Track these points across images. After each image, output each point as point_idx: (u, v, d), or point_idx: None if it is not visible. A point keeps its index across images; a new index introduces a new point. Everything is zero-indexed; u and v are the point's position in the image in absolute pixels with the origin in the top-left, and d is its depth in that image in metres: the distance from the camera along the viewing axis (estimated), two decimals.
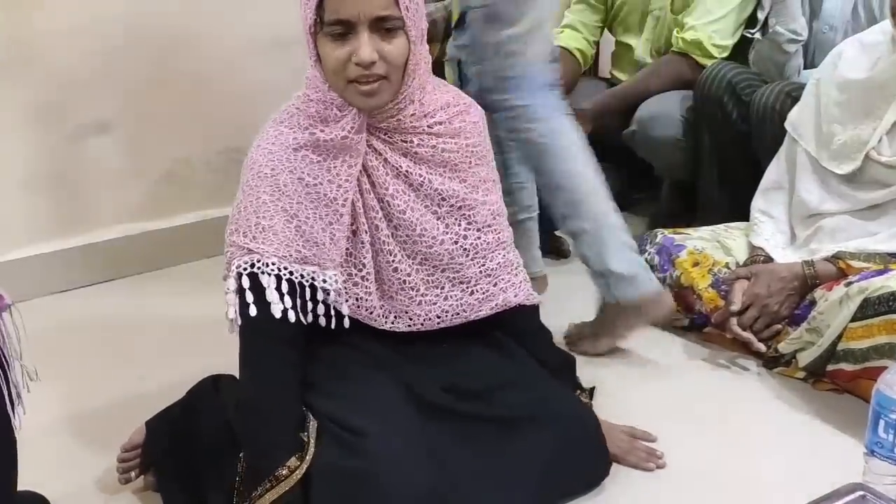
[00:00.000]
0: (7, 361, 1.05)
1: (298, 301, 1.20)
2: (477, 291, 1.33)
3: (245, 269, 1.19)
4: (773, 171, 1.80)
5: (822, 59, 2.09)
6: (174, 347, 1.80)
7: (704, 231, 1.85)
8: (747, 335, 1.61)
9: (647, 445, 1.41)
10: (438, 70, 1.57)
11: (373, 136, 1.25)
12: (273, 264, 1.19)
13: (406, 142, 1.26)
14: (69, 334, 1.83)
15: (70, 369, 1.66)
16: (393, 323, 1.29)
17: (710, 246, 1.79)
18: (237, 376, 1.34)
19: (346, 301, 1.25)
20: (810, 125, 1.71)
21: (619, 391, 1.57)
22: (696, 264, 1.75)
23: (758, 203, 1.80)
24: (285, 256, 1.20)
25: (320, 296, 1.22)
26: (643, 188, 2.59)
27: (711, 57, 2.20)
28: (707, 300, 1.72)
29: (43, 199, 2.07)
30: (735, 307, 1.62)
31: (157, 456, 1.33)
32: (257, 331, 1.20)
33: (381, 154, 1.26)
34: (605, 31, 2.58)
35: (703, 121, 2.12)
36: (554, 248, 2.24)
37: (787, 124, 1.76)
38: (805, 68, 2.11)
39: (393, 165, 1.26)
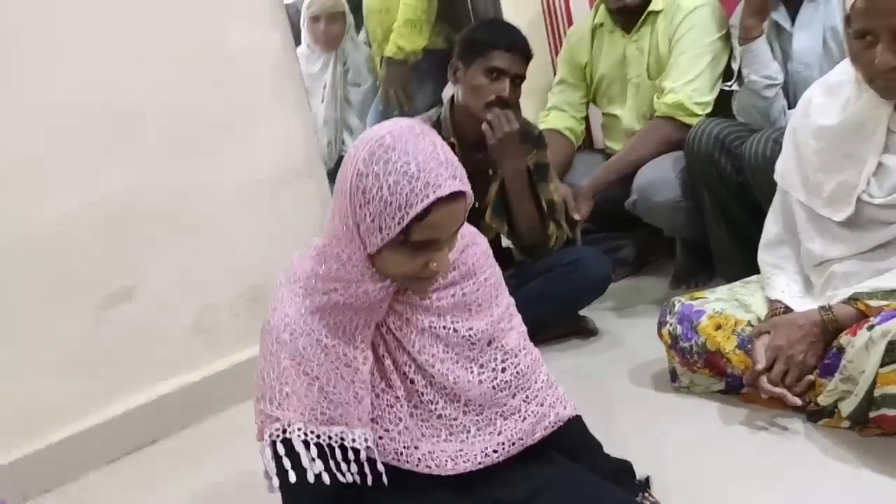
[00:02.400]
0: None
1: (331, 462, 1.21)
2: (529, 416, 1.34)
3: (277, 436, 1.22)
4: (773, 225, 1.79)
5: None
6: (225, 501, 1.81)
7: (721, 291, 1.84)
8: (780, 391, 1.58)
9: None
10: None
11: (393, 299, 1.27)
12: (300, 429, 1.21)
13: (426, 299, 1.29)
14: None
15: None
16: (447, 466, 1.29)
17: (729, 306, 1.77)
18: None
19: (387, 456, 1.26)
20: (797, 175, 1.71)
21: (675, 463, 1.55)
22: (718, 327, 1.74)
23: (765, 258, 1.80)
24: (311, 420, 1.22)
25: (351, 455, 1.23)
26: (658, 250, 2.60)
27: (695, 115, 2.23)
28: (737, 363, 1.70)
29: (77, 373, 2.12)
30: (760, 365, 1.60)
31: None
32: (299, 493, 1.22)
33: (401, 315, 1.28)
34: (592, 104, 2.64)
35: (699, 179, 2.14)
36: (580, 329, 2.24)
37: (776, 176, 1.76)
38: (790, 108, 2.12)
39: (415, 324, 1.28)
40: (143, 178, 2.16)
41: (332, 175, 2.52)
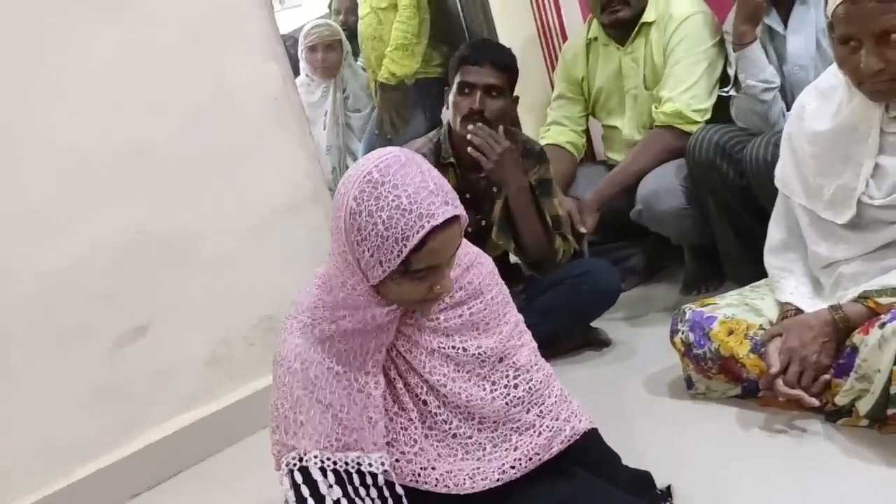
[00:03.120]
0: None
1: (349, 488, 1.22)
2: (544, 431, 1.35)
3: (294, 464, 1.23)
4: (777, 231, 1.80)
5: None
6: None
7: (731, 297, 1.85)
8: (797, 392, 1.59)
9: None
10: None
11: (401, 322, 1.29)
12: (316, 457, 1.22)
13: (433, 321, 1.30)
14: None
15: None
16: (466, 485, 1.29)
17: (739, 311, 1.78)
18: None
19: (404, 478, 1.27)
20: (797, 180, 1.71)
21: (695, 470, 1.55)
22: (730, 333, 1.74)
23: (772, 262, 1.80)
24: (326, 447, 1.23)
25: (369, 480, 1.24)
26: (668, 257, 2.61)
27: (694, 122, 2.25)
28: (751, 367, 1.70)
29: (96, 412, 2.13)
30: (775, 368, 1.60)
31: None
32: None
33: (410, 337, 1.30)
34: (592, 117, 2.66)
35: (702, 185, 2.15)
36: (592, 340, 2.25)
37: (776, 182, 1.77)
38: (788, 110, 2.13)
39: (424, 346, 1.29)
40: (152, 217, 2.18)
41: None
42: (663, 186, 2.21)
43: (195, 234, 2.27)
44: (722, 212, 2.14)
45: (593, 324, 2.26)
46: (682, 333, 1.80)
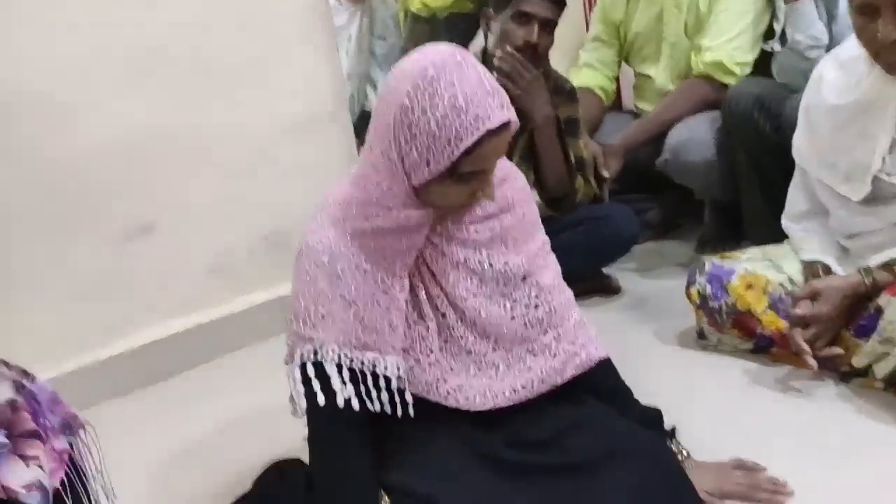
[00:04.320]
0: (87, 477, 1.06)
1: (362, 388, 1.19)
2: (560, 354, 1.32)
3: (309, 357, 1.20)
4: (798, 201, 1.76)
5: None
6: (236, 438, 1.80)
7: (753, 252, 1.81)
8: (805, 348, 1.55)
9: (768, 477, 1.34)
10: None
11: (430, 231, 1.25)
12: (334, 351, 1.19)
13: (463, 231, 1.26)
14: (136, 435, 1.84)
15: (138, 468, 1.67)
16: (476, 401, 1.27)
17: (760, 266, 1.74)
18: (300, 460, 1.35)
19: (416, 387, 1.24)
20: (814, 154, 1.67)
21: (702, 416, 1.52)
22: (749, 287, 1.71)
23: (793, 226, 1.76)
24: (345, 343, 1.20)
25: (382, 383, 1.21)
26: (686, 213, 2.56)
27: (734, 75, 2.18)
28: (767, 323, 1.67)
29: (93, 305, 2.10)
30: (802, 311, 1.56)
31: None
32: (325, 417, 1.20)
33: (437, 247, 1.26)
34: (624, 64, 2.59)
35: (736, 139, 2.09)
36: (603, 287, 2.21)
37: (793, 152, 1.72)
38: None
39: (450, 257, 1.26)
40: (166, 115, 2.13)
41: (355, 128, 2.49)
42: (695, 137, 2.16)
43: (208, 139, 2.22)
44: (752, 168, 2.09)
45: (605, 270, 2.22)
46: (700, 285, 1.77)
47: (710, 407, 1.59)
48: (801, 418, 1.53)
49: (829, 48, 2.07)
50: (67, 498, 1.02)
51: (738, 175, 2.13)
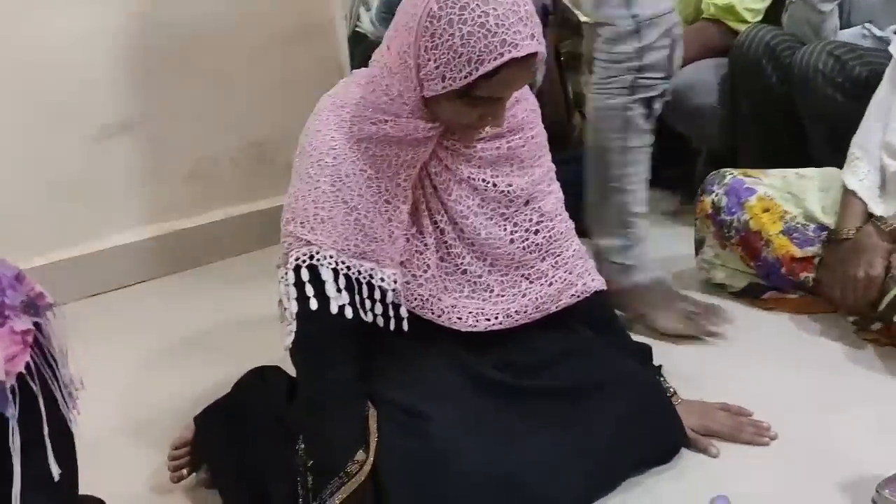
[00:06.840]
0: (56, 361, 1.00)
1: (357, 298, 1.15)
2: (556, 282, 1.30)
3: (304, 260, 1.15)
4: (877, 101, 1.65)
5: (858, 18, 2.03)
6: (213, 346, 1.76)
7: (776, 178, 1.76)
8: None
9: (752, 419, 1.34)
10: None
11: (437, 144, 1.20)
12: (331, 257, 1.14)
13: (470, 148, 1.22)
14: (105, 337, 1.79)
15: (110, 372, 1.62)
16: (468, 322, 1.24)
17: (779, 195, 1.72)
18: (280, 368, 1.33)
19: (410, 302, 1.21)
20: None
21: (701, 370, 1.50)
22: (766, 210, 1.69)
23: (856, 137, 1.66)
24: (344, 250, 1.15)
25: (377, 294, 1.17)
26: (675, 164, 2.53)
27: (745, 21, 2.13)
28: (778, 246, 1.66)
29: (69, 202, 2.03)
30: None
31: (209, 451, 1.29)
32: (316, 323, 1.15)
33: (442, 161, 1.21)
34: None
35: (742, 86, 2.06)
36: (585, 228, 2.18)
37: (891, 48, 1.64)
38: (841, 28, 2.04)
39: (455, 172, 1.22)
40: (153, 12, 2.05)
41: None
42: (700, 81, 2.11)
43: (196, 41, 2.13)
44: (754, 117, 2.05)
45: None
46: (716, 196, 1.75)
47: (694, 351, 1.58)
48: (787, 368, 1.52)
49: (841, 4, 2.05)
50: (34, 382, 0.93)
51: (739, 125, 2.10)
